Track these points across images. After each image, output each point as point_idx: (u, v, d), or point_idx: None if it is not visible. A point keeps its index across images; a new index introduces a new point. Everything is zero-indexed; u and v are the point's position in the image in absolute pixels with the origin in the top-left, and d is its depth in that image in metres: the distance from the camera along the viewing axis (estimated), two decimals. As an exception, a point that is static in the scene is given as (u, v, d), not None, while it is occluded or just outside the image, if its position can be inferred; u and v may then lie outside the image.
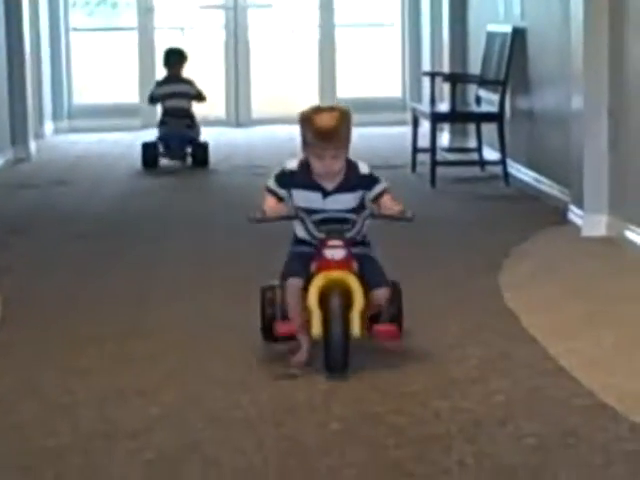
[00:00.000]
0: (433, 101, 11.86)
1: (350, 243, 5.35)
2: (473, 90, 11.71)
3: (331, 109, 5.62)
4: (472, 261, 7.51)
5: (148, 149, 12.15)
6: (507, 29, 10.61)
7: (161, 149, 12.20)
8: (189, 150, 12.22)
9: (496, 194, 10.09)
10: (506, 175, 10.42)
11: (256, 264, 7.12)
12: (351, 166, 5.49)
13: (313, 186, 5.45)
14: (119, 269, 7.55)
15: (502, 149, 10.58)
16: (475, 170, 11.03)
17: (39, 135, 13.67)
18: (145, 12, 16.06)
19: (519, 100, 10.55)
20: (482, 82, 11.23)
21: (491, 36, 11.12)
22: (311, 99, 16.08)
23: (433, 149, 10.68)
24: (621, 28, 7.83)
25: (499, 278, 6.98)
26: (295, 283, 5.35)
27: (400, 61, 16.06)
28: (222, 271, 7.35)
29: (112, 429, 4.59)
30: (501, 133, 10.61)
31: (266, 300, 5.59)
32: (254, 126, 15.38)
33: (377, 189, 5.45)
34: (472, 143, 11.71)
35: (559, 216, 8.59)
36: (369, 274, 5.41)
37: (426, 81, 12.95)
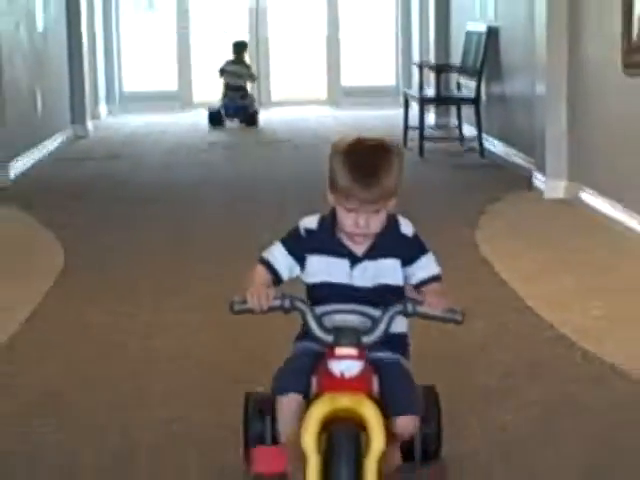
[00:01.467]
0: (421, 87, 11.95)
1: (370, 347, 3.17)
2: (454, 78, 11.73)
3: (376, 143, 3.29)
4: (453, 218, 7.51)
5: (214, 113, 13.86)
6: (483, 28, 10.59)
7: (223, 113, 13.86)
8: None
9: (473, 164, 10.09)
10: (482, 148, 10.39)
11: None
12: (389, 221, 3.34)
13: (338, 250, 3.32)
14: (160, 228, 7.52)
15: (478, 127, 10.55)
16: (456, 144, 11.04)
17: (95, 116, 13.65)
18: (182, 13, 16.06)
19: (492, 86, 10.53)
20: (462, 71, 11.22)
21: (469, 33, 11.11)
22: (320, 86, 16.14)
23: (421, 127, 10.67)
24: (578, 27, 7.81)
25: (476, 232, 6.97)
26: (291, 402, 3.21)
27: (394, 54, 16.05)
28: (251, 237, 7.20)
29: (155, 356, 4.62)
30: (477, 113, 10.60)
31: (251, 414, 3.45)
32: (273, 107, 15.37)
33: (425, 271, 3.39)
34: (454, 122, 11.72)
35: (526, 182, 8.57)
36: (393, 394, 3.23)
37: (415, 71, 12.90)
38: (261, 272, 3.23)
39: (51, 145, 11.15)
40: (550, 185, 8.13)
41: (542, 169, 8.29)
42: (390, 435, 3.00)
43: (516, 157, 9.51)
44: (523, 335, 4.87)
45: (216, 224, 7.63)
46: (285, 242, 3.28)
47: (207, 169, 10.27)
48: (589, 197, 7.56)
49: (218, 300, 4.13)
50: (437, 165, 10.11)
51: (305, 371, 3.14)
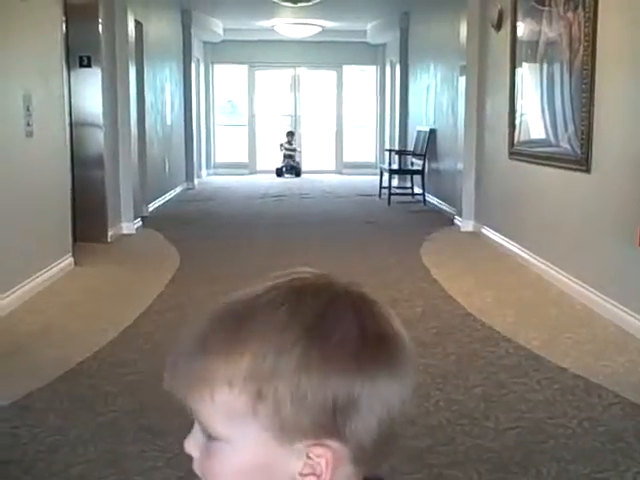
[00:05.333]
0: (390, 163, 11.97)
1: None
2: (409, 158, 11.64)
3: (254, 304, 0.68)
4: (407, 241, 7.44)
5: (278, 169, 15.02)
6: (427, 129, 10.61)
7: (283, 170, 15.00)
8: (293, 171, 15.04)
9: (419, 210, 10.02)
10: (425, 200, 10.41)
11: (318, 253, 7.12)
12: None
13: None
14: (237, 240, 7.53)
15: (423, 188, 10.57)
16: (409, 198, 11.02)
17: (199, 176, 13.70)
18: (251, 116, 16.16)
19: (432, 164, 10.52)
20: (414, 154, 11.16)
21: (419, 132, 11.09)
22: (330, 160, 16.15)
23: (389, 187, 10.65)
24: (482, 130, 7.84)
25: (420, 250, 6.95)
26: None
27: (374, 143, 16.09)
28: (290, 246, 7.33)
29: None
30: (423, 180, 10.62)
31: None
32: (303, 173, 15.36)
33: None
34: (409, 184, 11.63)
35: (450, 221, 8.55)
36: None
37: (386, 153, 12.95)
38: None
39: (173, 192, 11.21)
40: (464, 223, 8.12)
41: (460, 214, 8.28)
42: None
43: (445, 206, 9.47)
44: (446, 312, 4.84)
45: (268, 237, 7.62)
46: None
47: (264, 208, 10.33)
48: (487, 231, 7.57)
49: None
50: (398, 210, 10.02)
51: None
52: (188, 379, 0.64)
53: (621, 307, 4.42)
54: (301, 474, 0.63)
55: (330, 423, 0.62)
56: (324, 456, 0.63)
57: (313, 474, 0.63)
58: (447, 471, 2.65)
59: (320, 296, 0.67)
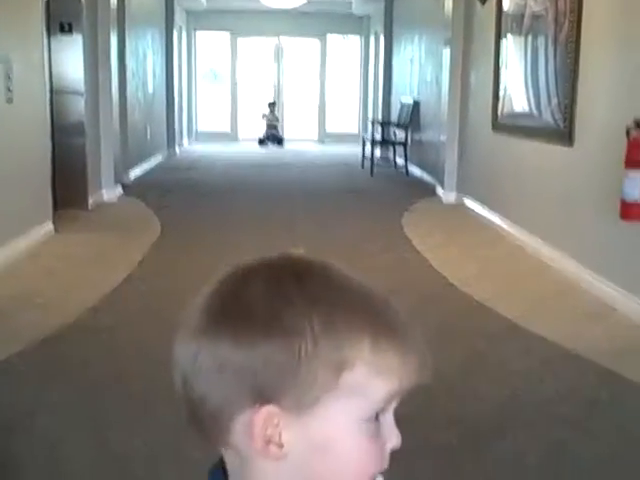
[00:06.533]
0: (373, 134, 11.93)
1: None
2: (393, 129, 11.67)
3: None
4: (388, 212, 7.44)
5: (261, 139, 15.07)
6: (410, 100, 10.62)
7: (265, 139, 15.04)
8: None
9: (402, 180, 10.04)
10: (407, 171, 10.44)
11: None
12: None
13: None
14: (217, 208, 7.50)
15: (405, 158, 10.59)
16: (392, 169, 11.03)
17: (181, 144, 13.62)
18: (233, 84, 16.06)
19: (415, 135, 10.55)
20: (397, 126, 11.18)
21: (402, 103, 11.11)
22: (313, 130, 16.11)
23: (372, 158, 10.64)
24: (466, 102, 7.86)
25: (402, 220, 6.96)
26: None
27: (358, 114, 16.06)
28: (270, 212, 7.33)
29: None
30: (405, 150, 10.64)
31: None
32: (285, 142, 15.34)
33: None
34: (391, 155, 11.67)
35: (432, 192, 8.58)
36: None
37: (370, 124, 12.95)
38: None
39: (155, 160, 11.13)
40: (447, 194, 8.15)
41: (442, 185, 8.31)
42: None
43: (427, 177, 9.49)
44: (428, 280, 4.88)
45: (250, 206, 7.57)
46: None
47: (246, 177, 10.28)
48: (469, 202, 7.61)
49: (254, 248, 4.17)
50: (381, 181, 10.01)
51: None
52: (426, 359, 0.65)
53: (600, 278, 4.46)
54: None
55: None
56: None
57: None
58: (425, 436, 2.67)
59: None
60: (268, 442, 0.61)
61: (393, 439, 0.65)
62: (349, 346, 0.60)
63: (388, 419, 0.65)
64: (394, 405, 0.65)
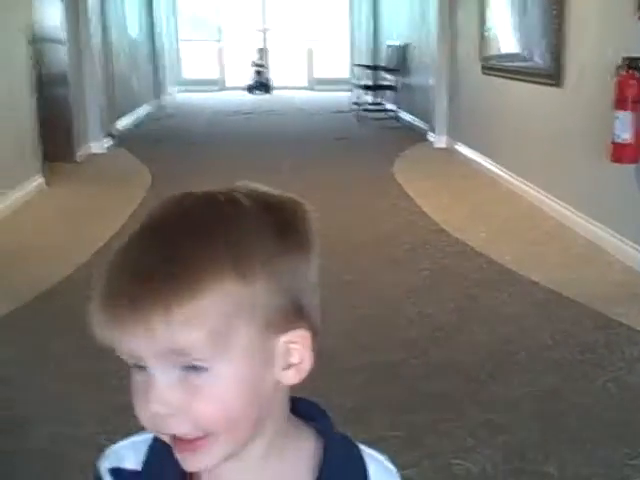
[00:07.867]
0: (362, 79, 11.81)
1: None
2: (382, 74, 11.55)
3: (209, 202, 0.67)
4: (380, 158, 7.40)
5: (250, 86, 14.71)
6: (399, 43, 10.50)
7: (254, 87, 14.69)
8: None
9: (392, 126, 9.93)
10: (397, 117, 10.37)
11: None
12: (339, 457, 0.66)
13: None
14: (204, 156, 7.42)
15: (396, 104, 10.52)
16: (382, 114, 10.91)
17: (167, 93, 13.46)
18: (218, 30, 15.81)
19: (405, 79, 10.42)
20: (387, 70, 11.07)
21: (391, 46, 10.97)
22: (302, 77, 15.92)
23: (361, 103, 10.57)
24: (455, 45, 7.76)
25: (393, 167, 6.93)
26: None
27: (347, 58, 15.85)
28: (258, 157, 7.27)
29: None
30: (396, 95, 10.57)
31: None
32: (274, 89, 15.15)
33: None
34: (382, 100, 11.57)
35: (423, 137, 8.52)
36: None
37: (359, 69, 12.82)
38: None
39: (142, 110, 11.01)
40: (437, 139, 8.11)
41: (433, 130, 8.26)
42: None
43: (418, 122, 9.39)
44: (420, 226, 4.87)
45: (240, 155, 7.43)
46: None
47: (235, 125, 10.17)
48: (460, 147, 7.57)
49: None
50: (370, 127, 9.92)
51: None
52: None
53: (591, 220, 4.49)
54: (285, 367, 0.62)
55: (297, 308, 0.62)
56: (300, 341, 0.62)
57: (293, 364, 0.62)
58: (420, 383, 2.71)
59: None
60: None
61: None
62: None
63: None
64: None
